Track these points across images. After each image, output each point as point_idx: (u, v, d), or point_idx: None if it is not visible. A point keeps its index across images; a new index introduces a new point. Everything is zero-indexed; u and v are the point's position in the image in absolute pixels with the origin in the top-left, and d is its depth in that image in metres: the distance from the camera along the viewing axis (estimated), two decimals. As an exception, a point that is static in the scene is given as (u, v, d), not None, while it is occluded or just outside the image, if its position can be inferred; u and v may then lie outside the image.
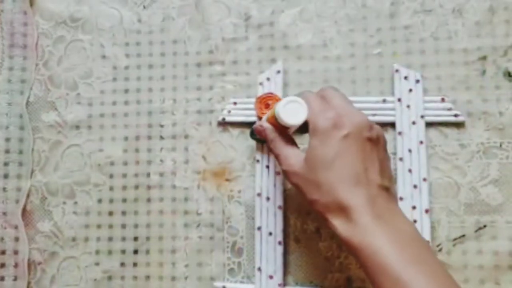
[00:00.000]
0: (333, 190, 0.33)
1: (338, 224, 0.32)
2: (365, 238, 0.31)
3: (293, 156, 0.36)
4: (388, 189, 0.34)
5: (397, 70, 0.45)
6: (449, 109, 0.45)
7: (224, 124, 0.48)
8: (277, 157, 0.38)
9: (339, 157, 0.33)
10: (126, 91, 0.49)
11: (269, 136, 0.39)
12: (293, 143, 0.38)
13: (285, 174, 0.37)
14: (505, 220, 0.43)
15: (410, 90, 0.45)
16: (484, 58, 0.45)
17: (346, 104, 0.36)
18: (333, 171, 0.33)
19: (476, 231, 0.43)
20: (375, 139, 0.35)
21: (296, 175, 0.35)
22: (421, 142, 0.44)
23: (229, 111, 0.47)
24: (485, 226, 0.43)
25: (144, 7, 0.50)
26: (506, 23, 0.45)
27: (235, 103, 0.47)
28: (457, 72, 0.45)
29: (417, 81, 0.45)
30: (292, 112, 0.36)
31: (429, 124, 0.45)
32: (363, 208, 0.32)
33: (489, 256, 0.43)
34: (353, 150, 0.33)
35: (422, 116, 0.44)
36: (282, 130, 0.39)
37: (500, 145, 0.44)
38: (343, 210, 0.32)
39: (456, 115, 0.44)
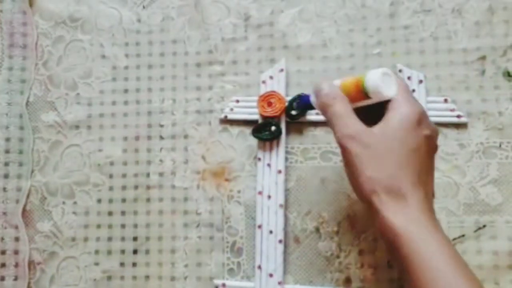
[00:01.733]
0: (400, 176, 0.32)
1: (390, 204, 0.32)
2: (417, 228, 0.31)
3: (357, 124, 0.34)
4: (432, 200, 0.35)
5: (400, 70, 0.45)
6: (452, 110, 0.45)
7: (224, 122, 0.48)
8: (336, 120, 0.34)
9: (417, 153, 0.33)
10: (126, 91, 0.49)
11: (335, 97, 0.35)
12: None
13: (342, 139, 0.33)
14: (504, 220, 0.43)
15: (413, 91, 0.45)
16: (483, 58, 0.45)
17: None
18: (407, 160, 0.32)
19: (475, 231, 0.43)
20: (436, 151, 0.37)
21: (357, 141, 0.33)
22: (423, 143, 0.44)
23: (231, 109, 0.47)
24: (484, 226, 0.43)
25: (144, 7, 0.50)
26: (506, 23, 0.45)
27: (237, 101, 0.48)
28: (457, 72, 0.45)
29: (420, 81, 0.45)
30: (385, 85, 0.34)
31: (429, 124, 0.45)
32: (420, 200, 0.32)
33: (488, 256, 0.43)
34: (429, 153, 0.34)
35: (424, 117, 0.44)
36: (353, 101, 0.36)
37: (500, 145, 0.44)
38: (400, 194, 0.32)
39: (458, 116, 0.44)
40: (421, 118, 0.34)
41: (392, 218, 0.31)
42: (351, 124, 0.34)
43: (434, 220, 0.32)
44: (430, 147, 0.34)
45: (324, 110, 0.36)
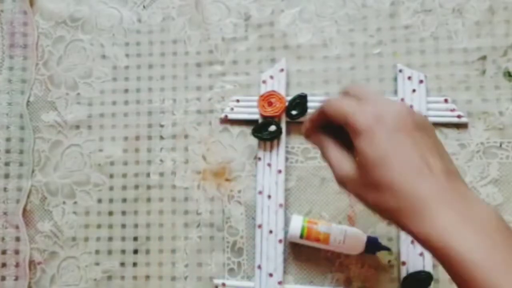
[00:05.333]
0: (396, 189, 0.29)
1: (414, 227, 0.28)
2: (445, 239, 0.27)
3: (344, 166, 0.32)
4: (454, 173, 0.30)
5: (400, 70, 0.45)
6: (452, 110, 0.45)
7: (225, 122, 0.48)
8: (329, 165, 0.33)
9: (392, 152, 0.29)
10: (126, 91, 0.49)
11: (321, 143, 0.34)
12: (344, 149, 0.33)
13: (341, 185, 0.32)
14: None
15: (414, 91, 0.45)
16: (484, 58, 0.45)
17: (378, 95, 0.32)
18: (390, 169, 0.29)
19: (476, 231, 0.43)
20: (421, 124, 0.31)
21: (350, 183, 0.31)
22: (422, 142, 0.44)
23: (232, 109, 0.47)
24: (485, 226, 0.43)
25: (144, 7, 0.50)
26: (506, 23, 0.45)
27: (237, 101, 0.48)
28: (457, 72, 0.45)
29: (421, 81, 0.45)
30: None
31: (430, 124, 0.45)
32: (435, 202, 0.28)
33: (489, 256, 0.43)
34: (405, 142, 0.30)
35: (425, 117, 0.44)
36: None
37: (500, 145, 0.44)
38: (413, 209, 0.28)
39: (459, 116, 0.44)
40: (375, 114, 0.30)
41: (418, 236, 0.28)
42: (337, 172, 0.33)
43: (459, 213, 0.28)
44: (405, 135, 0.30)
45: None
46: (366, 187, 0.31)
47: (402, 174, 0.29)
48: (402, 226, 0.29)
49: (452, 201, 0.28)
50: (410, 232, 0.28)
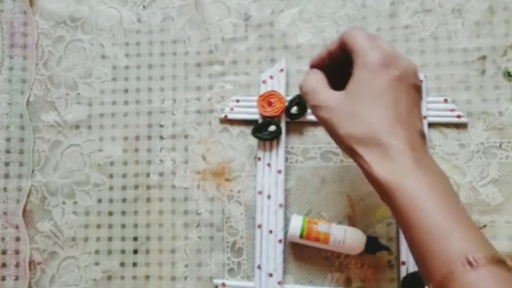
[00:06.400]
0: (374, 124, 0.32)
1: (374, 160, 0.31)
2: (404, 179, 0.30)
3: (327, 92, 0.35)
4: (425, 137, 0.33)
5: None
6: (452, 110, 0.45)
7: (224, 122, 0.48)
8: (307, 94, 0.36)
9: (387, 95, 0.32)
10: (126, 91, 0.49)
11: (307, 74, 0.37)
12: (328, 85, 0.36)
13: (315, 109, 0.35)
14: (504, 220, 0.43)
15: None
16: (483, 58, 0.45)
17: (393, 47, 0.35)
18: (377, 106, 0.32)
19: (475, 231, 0.43)
20: (419, 86, 0.35)
21: (329, 109, 0.34)
22: (423, 143, 0.44)
23: (232, 109, 0.47)
24: (485, 226, 0.43)
25: (144, 7, 0.50)
26: (506, 23, 0.45)
27: (237, 101, 0.48)
28: (457, 72, 0.45)
29: (420, 81, 0.45)
30: None
31: (430, 125, 0.45)
32: (404, 148, 0.30)
33: (488, 256, 0.43)
34: (401, 92, 0.33)
35: (424, 117, 0.44)
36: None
37: (500, 145, 0.44)
38: (381, 146, 0.31)
39: (459, 116, 0.44)
40: (386, 60, 0.33)
41: (375, 169, 0.31)
42: (317, 96, 0.35)
43: (421, 162, 0.30)
44: (405, 88, 0.33)
45: (302, 96, 0.37)
46: (343, 113, 0.33)
47: (384, 116, 0.32)
48: (361, 160, 0.32)
49: (416, 154, 0.31)
50: (367, 166, 0.31)
